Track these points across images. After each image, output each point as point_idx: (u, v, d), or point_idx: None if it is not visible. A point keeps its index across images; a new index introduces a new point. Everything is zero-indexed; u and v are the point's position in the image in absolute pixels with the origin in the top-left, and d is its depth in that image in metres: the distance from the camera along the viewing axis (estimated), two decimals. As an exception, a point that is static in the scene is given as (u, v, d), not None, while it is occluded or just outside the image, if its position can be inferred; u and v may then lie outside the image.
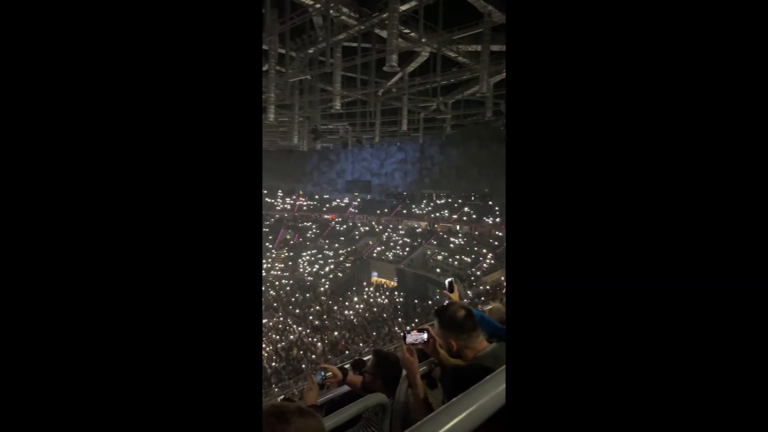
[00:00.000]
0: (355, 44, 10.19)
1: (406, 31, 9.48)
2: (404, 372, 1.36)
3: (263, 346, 14.22)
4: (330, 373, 1.77)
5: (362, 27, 9.31)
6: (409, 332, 1.37)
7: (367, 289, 21.21)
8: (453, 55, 10.90)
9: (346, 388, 1.89)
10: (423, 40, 9.48)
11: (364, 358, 3.44)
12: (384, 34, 8.99)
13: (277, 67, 10.44)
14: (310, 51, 10.42)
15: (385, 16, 8.53)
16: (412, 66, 11.80)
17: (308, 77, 11.46)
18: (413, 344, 1.34)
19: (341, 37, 9.78)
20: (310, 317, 17.21)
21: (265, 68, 10.26)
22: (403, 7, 8.41)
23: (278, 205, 30.39)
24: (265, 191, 30.31)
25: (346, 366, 2.53)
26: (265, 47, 9.93)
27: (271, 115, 11.37)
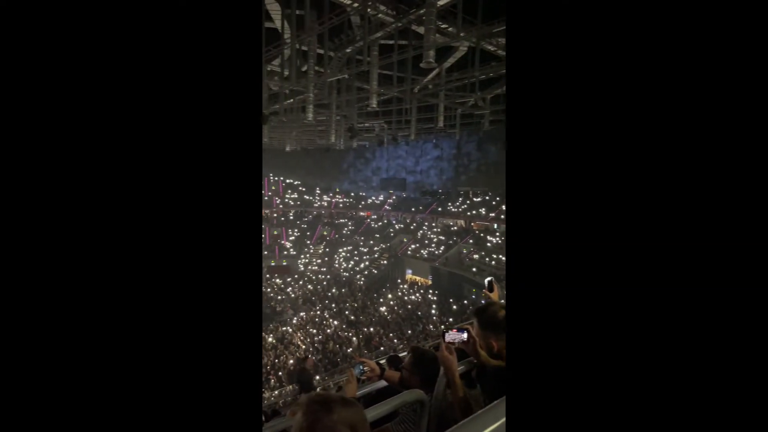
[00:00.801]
0: (391, 42, 10.19)
1: (444, 26, 9.33)
2: (442, 370, 1.36)
3: (301, 338, 14.71)
4: (368, 368, 1.80)
5: (399, 24, 9.28)
6: (448, 331, 1.37)
7: (401, 286, 21.25)
8: (492, 49, 10.58)
9: (382, 383, 1.92)
10: (461, 34, 9.29)
11: (400, 355, 3.46)
12: (421, 30, 8.91)
13: (316, 67, 10.67)
14: (348, 50, 10.55)
15: (422, 11, 8.45)
16: (450, 61, 11.60)
17: (345, 76, 11.62)
18: (452, 343, 1.33)
19: (378, 35, 9.82)
20: (346, 312, 17.53)
21: (304, 69, 10.53)
22: (441, 2, 8.29)
23: (316, 202, 31.16)
24: (304, 189, 31.19)
25: (381, 361, 2.56)
26: (304, 48, 10.19)
27: (310, 115, 11.66)
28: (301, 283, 22.89)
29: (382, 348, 13.27)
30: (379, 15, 9.13)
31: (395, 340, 13.92)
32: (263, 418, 3.70)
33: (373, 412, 1.32)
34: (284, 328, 16.03)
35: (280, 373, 11.97)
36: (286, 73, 10.73)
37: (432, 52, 8.23)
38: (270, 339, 14.47)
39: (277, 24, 9.48)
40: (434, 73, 11.99)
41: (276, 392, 11.03)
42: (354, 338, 14.58)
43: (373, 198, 30.04)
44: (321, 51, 10.55)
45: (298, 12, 8.89)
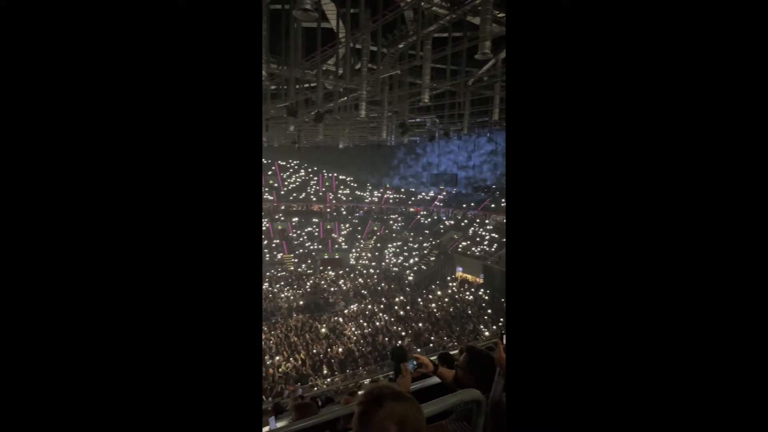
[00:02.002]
0: (445, 34, 9.98)
1: (501, 15, 8.93)
2: (498, 371, 1.33)
3: (352, 329, 15.14)
4: (422, 363, 1.82)
5: (454, 16, 9.05)
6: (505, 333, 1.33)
7: (451, 283, 20.93)
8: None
9: (435, 380, 1.92)
10: (519, 22, 8.81)
11: (451, 353, 3.43)
12: (477, 20, 8.61)
13: (369, 65, 10.80)
14: (401, 46, 10.53)
15: (478, 1, 8.16)
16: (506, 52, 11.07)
17: (398, 72, 11.62)
18: None
19: (432, 28, 9.67)
20: (395, 307, 17.70)
21: (357, 66, 10.72)
22: (499, -10, 7.93)
23: (367, 198, 31.70)
24: (355, 185, 31.86)
25: (432, 358, 2.56)
26: (358, 46, 10.36)
27: (362, 112, 11.85)
28: (352, 276, 23.50)
29: (431, 345, 13.22)
30: (433, 8, 8.98)
31: (444, 338, 13.79)
32: (318, 403, 3.88)
33: (429, 408, 1.34)
34: (336, 318, 16.60)
35: (332, 361, 12.44)
36: (341, 71, 10.99)
37: (488, 43, 7.93)
38: (323, 330, 15.07)
39: (333, 24, 9.74)
40: (489, 64, 11.55)
41: (328, 380, 11.48)
42: (403, 333, 14.69)
43: (424, 194, 29.83)
44: (374, 48, 10.65)
45: (353, 11, 9.05)
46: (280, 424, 3.45)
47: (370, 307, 18.05)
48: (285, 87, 11.64)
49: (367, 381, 8.41)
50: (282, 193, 29.75)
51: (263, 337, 13.84)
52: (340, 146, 23.56)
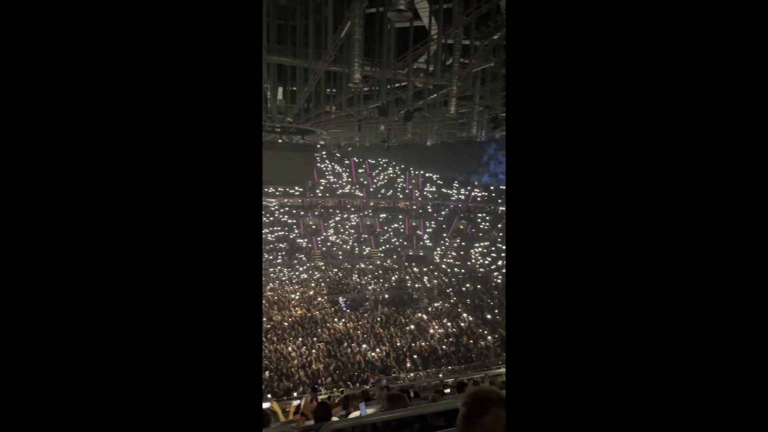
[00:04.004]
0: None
1: None
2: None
3: (435, 327, 15.09)
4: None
5: None
6: None
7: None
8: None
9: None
10: None
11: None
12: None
13: (461, 59, 10.54)
14: (495, 37, 10.04)
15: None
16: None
17: (491, 64, 11.11)
18: None
19: (531, 14, 8.99)
20: (482, 309, 17.08)
21: (448, 62, 10.55)
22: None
23: (453, 196, 31.12)
24: (441, 182, 31.52)
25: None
26: (450, 41, 10.19)
27: (452, 108, 11.65)
28: (436, 273, 23.37)
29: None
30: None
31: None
32: (410, 396, 3.98)
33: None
34: (419, 314, 16.73)
35: (415, 357, 12.59)
36: (431, 68, 10.95)
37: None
38: (411, 327, 15.32)
39: (425, 22, 9.75)
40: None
41: (411, 374, 11.67)
42: (489, 336, 14.12)
43: (515, 192, 27.99)
44: (467, 42, 10.35)
45: (445, 6, 8.93)
46: (369, 411, 3.64)
47: (453, 306, 17.74)
48: (377, 88, 12.07)
49: (449, 381, 8.32)
50: (371, 190, 30.99)
51: (351, 324, 14.68)
52: (428, 143, 23.51)
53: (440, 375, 11.28)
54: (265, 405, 4.59)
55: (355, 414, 3.78)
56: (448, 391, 5.21)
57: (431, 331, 14.80)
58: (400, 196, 30.87)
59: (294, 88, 11.90)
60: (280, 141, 16.39)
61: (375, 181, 31.57)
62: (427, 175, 32.14)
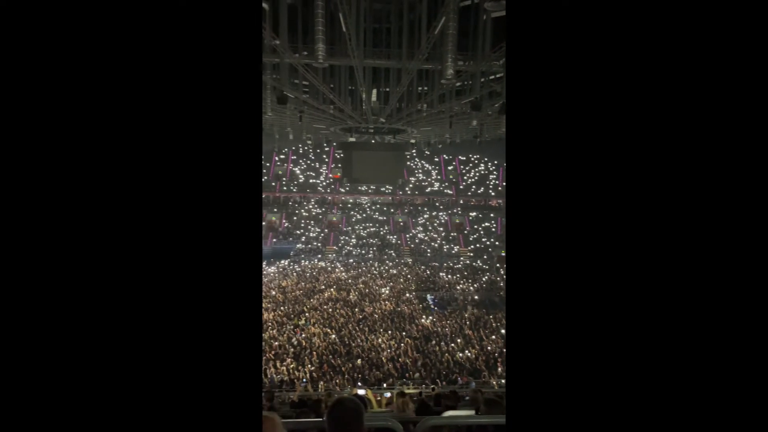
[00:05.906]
0: None
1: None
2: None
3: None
4: None
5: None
6: None
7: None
8: None
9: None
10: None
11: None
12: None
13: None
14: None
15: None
16: None
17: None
18: None
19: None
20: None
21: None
22: None
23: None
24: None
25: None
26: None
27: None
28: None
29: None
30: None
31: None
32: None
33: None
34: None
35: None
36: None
37: None
38: (503, 331, 14.64)
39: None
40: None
41: (503, 380, 11.13)
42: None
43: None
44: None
45: None
46: (462, 413, 3.61)
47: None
48: (469, 82, 11.71)
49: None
50: (461, 187, 30.29)
51: (439, 323, 14.62)
52: (525, 137, 21.87)
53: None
54: (361, 392, 4.87)
55: (448, 414, 3.78)
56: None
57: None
58: (492, 194, 29.50)
59: (387, 89, 12.27)
60: (372, 141, 17.10)
61: (465, 178, 30.76)
62: (522, 170, 30.02)
